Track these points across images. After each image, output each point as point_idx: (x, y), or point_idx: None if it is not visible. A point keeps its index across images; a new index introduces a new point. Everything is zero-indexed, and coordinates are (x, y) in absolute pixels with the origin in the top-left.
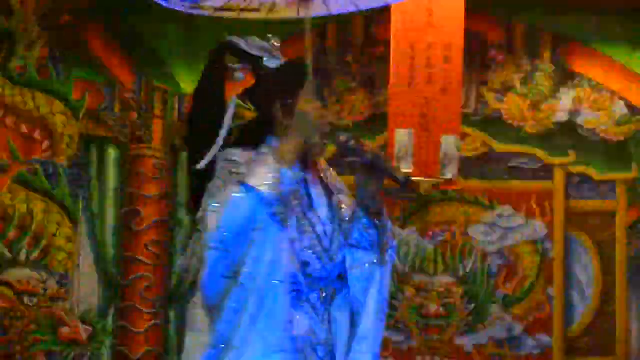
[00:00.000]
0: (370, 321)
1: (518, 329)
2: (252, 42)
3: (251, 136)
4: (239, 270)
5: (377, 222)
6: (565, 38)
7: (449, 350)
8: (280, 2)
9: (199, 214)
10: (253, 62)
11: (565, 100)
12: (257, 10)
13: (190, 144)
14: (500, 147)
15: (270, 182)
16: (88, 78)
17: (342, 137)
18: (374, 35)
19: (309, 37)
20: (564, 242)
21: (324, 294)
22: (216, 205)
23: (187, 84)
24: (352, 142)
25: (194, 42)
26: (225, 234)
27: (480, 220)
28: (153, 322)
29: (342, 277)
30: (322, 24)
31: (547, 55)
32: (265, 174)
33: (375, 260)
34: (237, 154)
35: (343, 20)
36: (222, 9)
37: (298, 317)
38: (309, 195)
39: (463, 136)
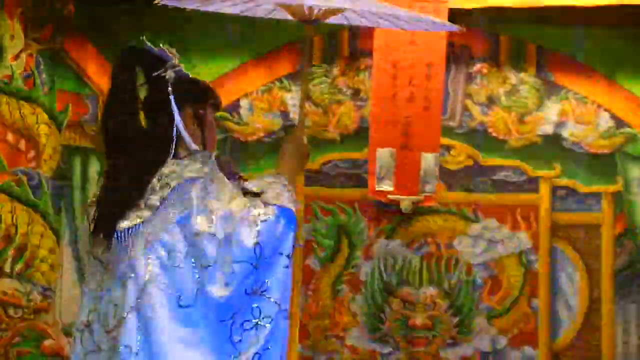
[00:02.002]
0: None
1: (503, 341)
2: (163, 49)
3: (159, 145)
4: (260, 289)
5: None
6: (550, 51)
7: None
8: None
9: (206, 225)
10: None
11: (551, 113)
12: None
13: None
14: (485, 159)
15: (296, 206)
16: (71, 89)
17: None
18: (359, 48)
19: (308, 55)
20: (549, 254)
21: None
22: (244, 219)
23: None
24: None
25: (180, 55)
26: (259, 251)
27: (466, 232)
28: None
29: None
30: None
31: (532, 68)
32: (291, 200)
33: None
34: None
35: (328, 33)
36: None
37: None
38: None
39: (448, 149)
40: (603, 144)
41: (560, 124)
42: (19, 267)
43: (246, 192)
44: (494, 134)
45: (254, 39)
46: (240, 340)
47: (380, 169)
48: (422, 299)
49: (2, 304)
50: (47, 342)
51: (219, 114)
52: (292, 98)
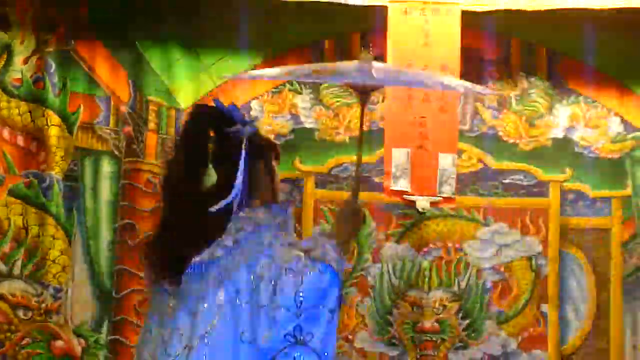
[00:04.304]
0: None
1: (512, 345)
2: (234, 106)
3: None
4: (303, 339)
5: None
6: (561, 54)
7: None
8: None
9: (267, 270)
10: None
11: (561, 117)
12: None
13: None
14: (495, 163)
15: (341, 267)
16: (84, 91)
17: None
18: (371, 51)
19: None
20: (558, 258)
21: None
22: (290, 270)
23: (184, 98)
24: None
25: (193, 57)
26: (301, 300)
27: (475, 236)
28: None
29: None
30: (319, 40)
31: (543, 71)
32: (338, 260)
33: None
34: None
35: (340, 35)
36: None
37: None
38: None
39: (459, 153)
40: (613, 148)
41: (570, 128)
42: (29, 268)
43: (296, 247)
44: (504, 138)
45: (265, 41)
46: None
47: (396, 169)
48: (432, 302)
49: (12, 305)
50: (58, 343)
51: None
52: (302, 101)
